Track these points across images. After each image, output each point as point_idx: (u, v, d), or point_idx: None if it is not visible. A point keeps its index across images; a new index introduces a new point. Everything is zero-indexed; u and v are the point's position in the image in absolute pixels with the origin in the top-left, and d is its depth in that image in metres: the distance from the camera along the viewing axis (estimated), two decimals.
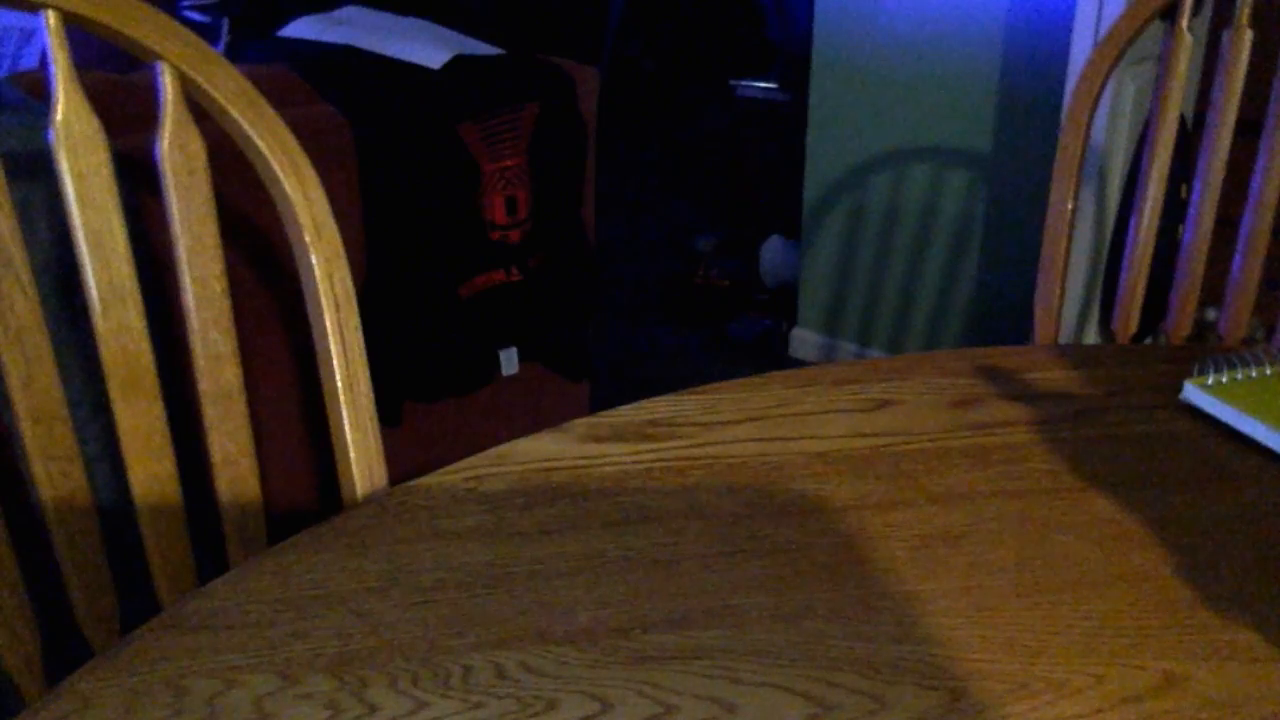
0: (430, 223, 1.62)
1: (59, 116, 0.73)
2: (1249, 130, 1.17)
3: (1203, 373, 0.82)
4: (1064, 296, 1.20)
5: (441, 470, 0.75)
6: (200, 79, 0.77)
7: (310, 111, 1.47)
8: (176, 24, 0.77)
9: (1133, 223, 1.20)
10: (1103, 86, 1.16)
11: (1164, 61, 1.16)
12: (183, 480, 0.82)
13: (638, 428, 0.80)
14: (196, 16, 2.12)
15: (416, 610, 0.60)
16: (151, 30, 0.75)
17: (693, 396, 0.85)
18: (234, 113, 0.78)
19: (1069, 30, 2.14)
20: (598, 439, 0.78)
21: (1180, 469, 0.75)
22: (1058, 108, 2.20)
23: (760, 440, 0.78)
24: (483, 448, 0.77)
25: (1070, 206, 1.17)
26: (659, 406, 0.83)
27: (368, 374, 0.83)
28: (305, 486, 1.54)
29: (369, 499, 0.78)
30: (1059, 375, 0.89)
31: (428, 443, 1.71)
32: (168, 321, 1.19)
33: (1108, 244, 2.19)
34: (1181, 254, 1.20)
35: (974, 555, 0.65)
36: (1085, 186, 2.10)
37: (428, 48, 1.72)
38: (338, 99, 1.51)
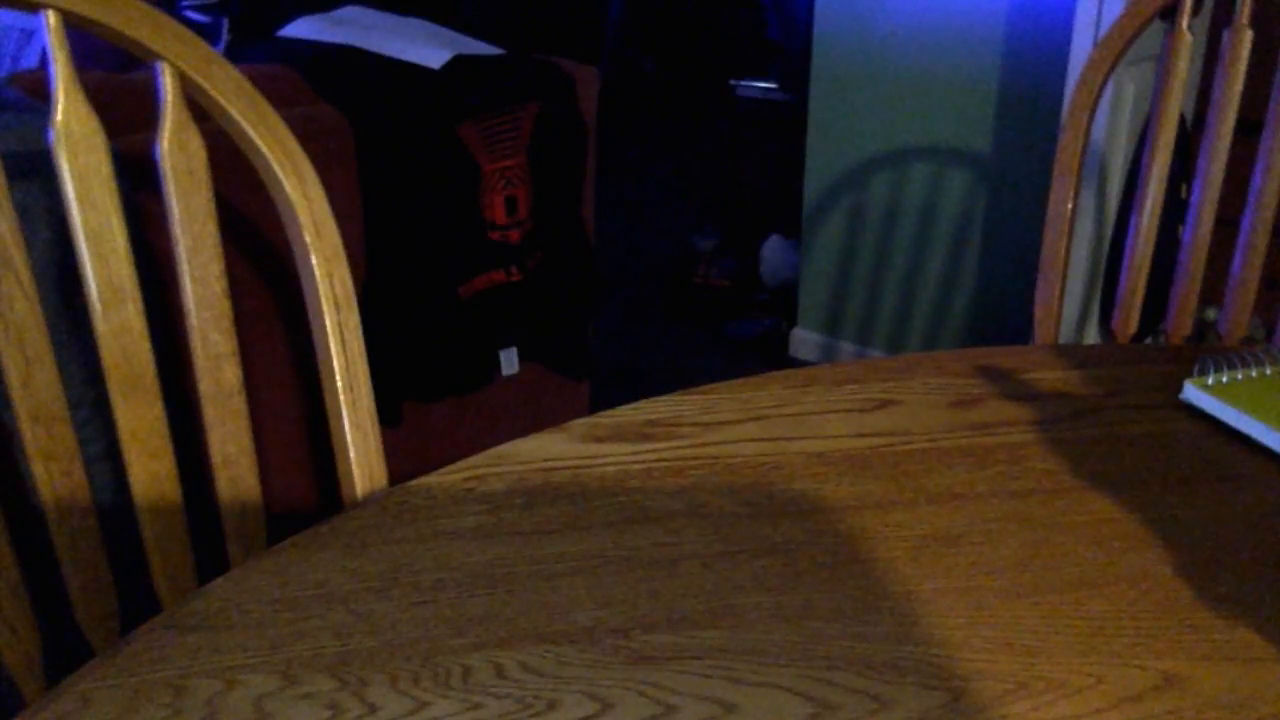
0: (430, 223, 1.62)
1: (59, 116, 0.73)
2: (1249, 130, 1.17)
3: (1203, 373, 0.82)
4: (1064, 296, 1.20)
5: (441, 470, 0.75)
6: (200, 79, 0.77)
7: (310, 111, 1.47)
8: (176, 24, 0.77)
9: (1133, 223, 1.20)
10: (1103, 86, 1.16)
11: (1164, 61, 1.16)
12: (183, 480, 0.82)
13: (638, 428, 0.80)
14: (196, 16, 2.12)
15: (416, 610, 0.60)
16: (151, 30, 0.75)
17: (693, 396, 0.85)
18: (234, 113, 0.78)
19: (1069, 30, 2.14)
20: (598, 439, 0.78)
21: (1180, 469, 0.75)
22: (1058, 108, 2.20)
23: (760, 440, 0.78)
24: (483, 448, 0.77)
25: (1070, 206, 1.17)
26: (659, 406, 0.83)
27: (368, 374, 0.83)
28: (305, 486, 1.54)
29: (369, 499, 0.78)
30: (1059, 375, 0.89)
31: (428, 443, 1.71)
32: (168, 321, 1.19)
33: (1108, 244, 2.19)
34: (1181, 254, 1.20)
35: (974, 555, 0.65)
36: (1085, 186, 2.10)
37: (428, 48, 1.72)
38: (338, 99, 1.52)
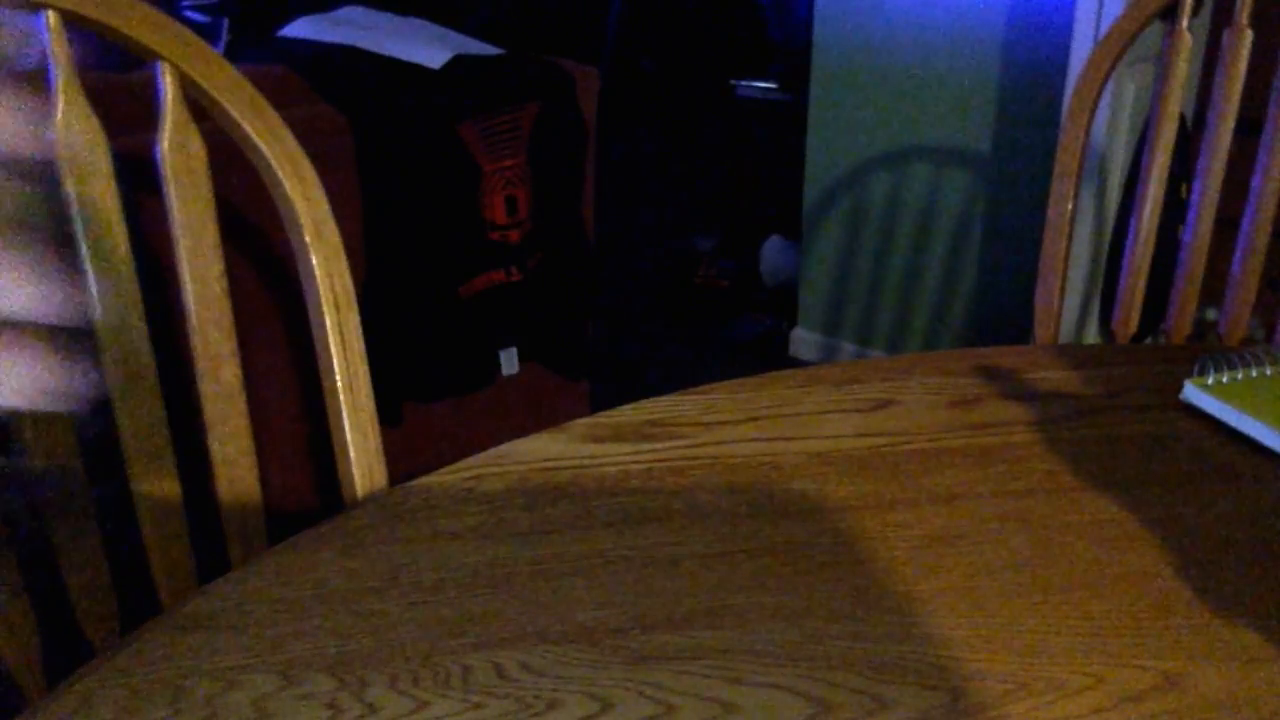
0: (430, 223, 1.62)
1: (59, 116, 0.73)
2: (1249, 130, 1.17)
3: (1203, 373, 0.82)
4: (1064, 296, 1.20)
5: (441, 470, 0.75)
6: (200, 79, 0.77)
7: (310, 111, 1.47)
8: (176, 24, 0.77)
9: (1133, 223, 1.20)
10: (1103, 86, 1.16)
11: (1164, 61, 1.16)
12: (183, 480, 0.82)
13: (638, 428, 0.80)
14: (196, 16, 2.12)
15: (416, 610, 0.60)
16: (151, 30, 0.75)
17: (693, 396, 0.85)
18: (234, 113, 0.78)
19: (1069, 30, 2.14)
20: (598, 439, 0.78)
21: (1180, 469, 0.75)
22: (1058, 108, 2.20)
23: (760, 440, 0.78)
24: (483, 448, 0.77)
25: (1070, 206, 1.17)
26: (659, 406, 0.83)
27: (368, 374, 0.83)
28: (305, 486, 1.54)
29: (369, 499, 0.78)
30: (1059, 375, 0.89)
31: (428, 443, 1.71)
32: (168, 321, 1.19)
33: (1108, 244, 2.19)
34: (1181, 254, 1.20)
35: (974, 555, 0.65)
36: (1085, 186, 2.10)
37: (428, 48, 1.72)
38: (338, 99, 1.52)
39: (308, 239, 0.80)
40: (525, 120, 1.70)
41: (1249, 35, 1.13)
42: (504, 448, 0.77)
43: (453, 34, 1.88)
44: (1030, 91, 2.25)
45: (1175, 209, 1.29)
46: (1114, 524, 0.68)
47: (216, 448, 0.83)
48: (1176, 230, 1.25)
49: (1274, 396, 0.79)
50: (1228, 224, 1.19)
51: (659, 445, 0.77)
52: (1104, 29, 1.96)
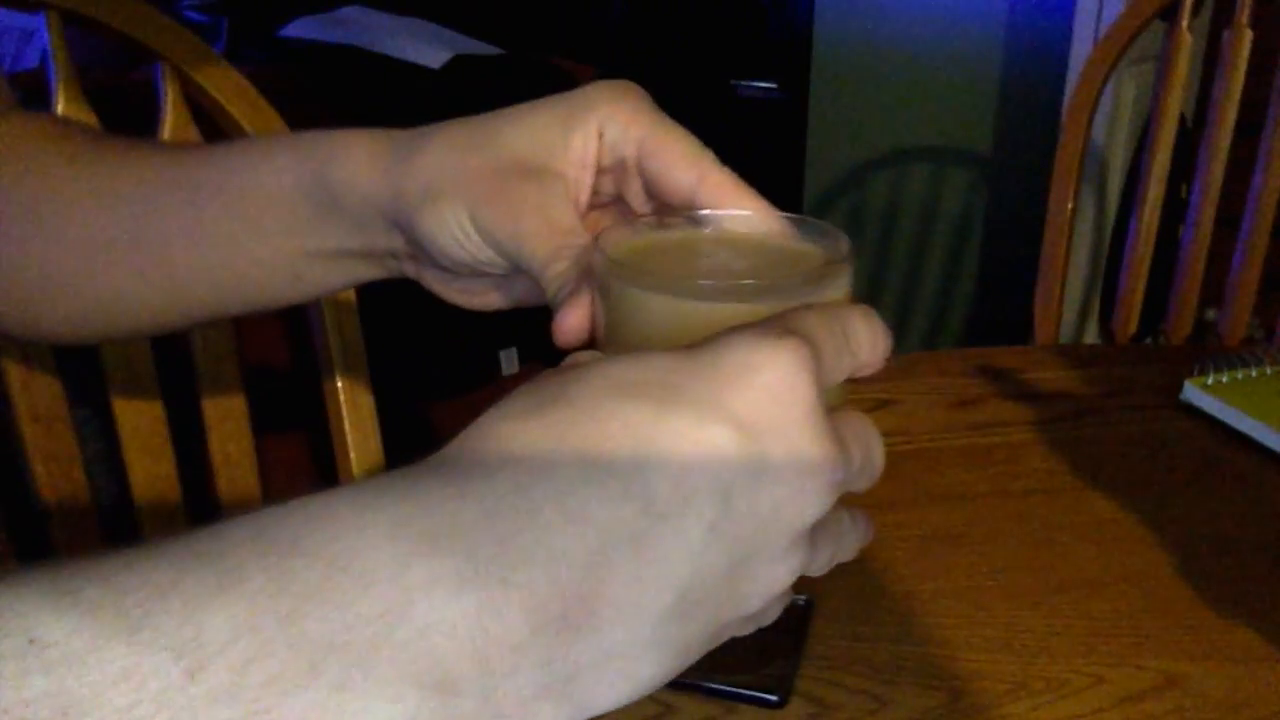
0: None
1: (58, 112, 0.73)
2: (1249, 130, 1.17)
3: (1203, 373, 0.82)
4: (1064, 296, 1.20)
5: None
6: (200, 79, 0.77)
7: (310, 111, 1.47)
8: (176, 24, 0.77)
9: (1133, 223, 1.20)
10: (1103, 86, 1.16)
11: (1164, 61, 1.16)
12: (183, 480, 0.82)
13: None
14: (196, 16, 2.12)
15: None
16: (151, 30, 0.75)
17: None
18: (234, 113, 0.78)
19: (1069, 30, 2.14)
20: None
21: (1180, 469, 0.75)
22: (1058, 108, 2.20)
23: None
24: None
25: (1070, 206, 1.17)
26: None
27: (368, 374, 0.83)
28: (305, 486, 1.54)
29: None
30: (1059, 375, 0.89)
31: (428, 443, 1.71)
32: None
33: (1108, 244, 2.19)
34: (1181, 254, 1.20)
35: (974, 555, 0.65)
36: (1085, 186, 2.10)
37: (428, 47, 1.72)
38: (338, 99, 1.51)
39: None
40: None
41: (1249, 35, 1.13)
42: None
43: (453, 34, 1.89)
44: (1030, 91, 2.25)
45: (1175, 209, 1.29)
46: (1114, 524, 0.68)
47: (216, 448, 0.83)
48: (1176, 230, 1.25)
49: (1274, 396, 0.79)
50: (1228, 224, 1.19)
51: None
52: (1104, 29, 1.96)
